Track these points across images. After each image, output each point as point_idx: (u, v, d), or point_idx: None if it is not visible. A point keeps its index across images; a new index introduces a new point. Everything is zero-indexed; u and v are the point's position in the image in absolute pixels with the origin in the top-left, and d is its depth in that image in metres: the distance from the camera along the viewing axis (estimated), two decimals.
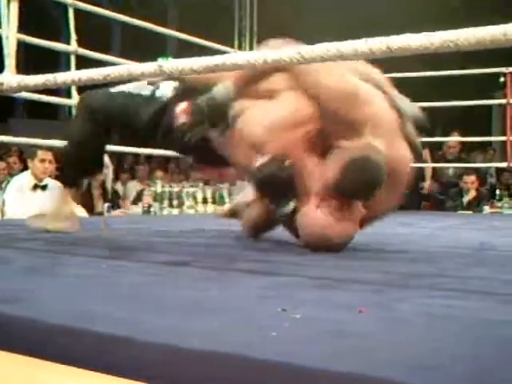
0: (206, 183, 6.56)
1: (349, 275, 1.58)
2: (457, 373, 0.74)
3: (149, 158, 8.04)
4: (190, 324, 0.96)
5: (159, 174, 6.98)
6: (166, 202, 5.77)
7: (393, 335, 0.93)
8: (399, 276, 1.61)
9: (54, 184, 4.26)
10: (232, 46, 7.12)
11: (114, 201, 5.67)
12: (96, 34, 7.15)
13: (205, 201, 6.04)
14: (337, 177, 1.94)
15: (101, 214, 5.03)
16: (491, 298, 1.27)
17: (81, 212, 4.33)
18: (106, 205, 5.15)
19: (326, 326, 0.96)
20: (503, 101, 6.20)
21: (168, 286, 1.35)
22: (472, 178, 6.57)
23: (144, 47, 8.26)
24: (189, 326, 0.95)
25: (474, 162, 8.12)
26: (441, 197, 6.84)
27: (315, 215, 2.01)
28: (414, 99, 2.34)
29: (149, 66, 1.75)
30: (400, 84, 2.37)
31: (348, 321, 1.00)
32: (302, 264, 1.78)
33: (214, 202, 6.07)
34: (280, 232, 2.39)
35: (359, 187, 1.95)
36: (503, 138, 5.93)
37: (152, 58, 1.96)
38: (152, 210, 5.71)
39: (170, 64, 1.69)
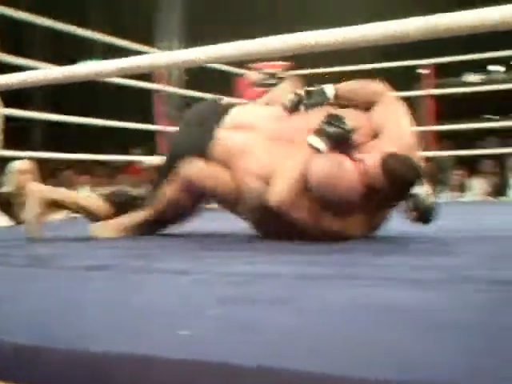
0: (134, 186, 6.48)
1: (269, 269, 1.61)
2: (371, 363, 0.77)
3: (72, 163, 7.90)
4: (108, 326, 0.97)
5: (84, 179, 6.86)
6: None
7: (310, 329, 0.95)
8: (318, 267, 1.63)
9: None
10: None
11: None
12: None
13: None
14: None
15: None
16: (403, 284, 1.32)
17: (3, 221, 4.22)
18: None
19: (242, 322, 0.98)
20: (422, 92, 6.37)
21: (84, 290, 1.35)
22: None
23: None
24: (107, 329, 0.95)
25: None
26: None
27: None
28: None
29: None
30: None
31: (264, 316, 1.02)
32: (224, 261, 1.80)
33: None
34: (203, 228, 2.40)
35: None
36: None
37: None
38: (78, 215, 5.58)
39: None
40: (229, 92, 6.18)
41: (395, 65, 6.07)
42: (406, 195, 2.19)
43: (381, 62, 6.11)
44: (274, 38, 1.54)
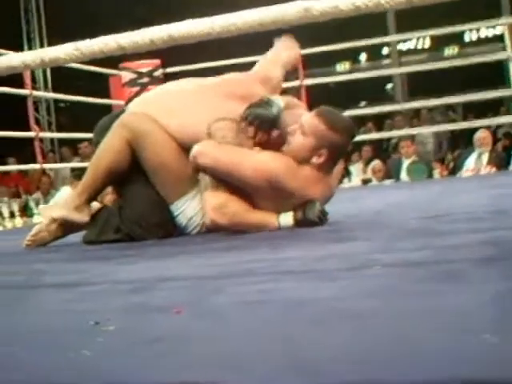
0: (13, 196, 6.21)
1: (162, 273, 1.54)
2: (269, 358, 0.74)
3: None
4: None
5: None
6: None
7: (209, 332, 0.91)
8: (212, 267, 1.59)
9: None
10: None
11: None
12: None
13: (12, 215, 5.71)
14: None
15: None
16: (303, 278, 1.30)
17: None
18: None
19: (140, 335, 0.92)
20: (294, 83, 6.40)
21: None
22: None
23: None
24: None
25: None
26: None
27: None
28: None
29: None
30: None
31: (164, 325, 0.97)
32: (112, 270, 1.72)
33: (22, 216, 5.76)
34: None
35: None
36: None
37: None
38: None
39: None
40: (103, 93, 6.02)
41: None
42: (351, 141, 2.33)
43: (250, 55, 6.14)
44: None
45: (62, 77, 8.31)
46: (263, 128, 2.33)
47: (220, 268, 1.54)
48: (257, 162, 2.24)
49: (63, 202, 2.62)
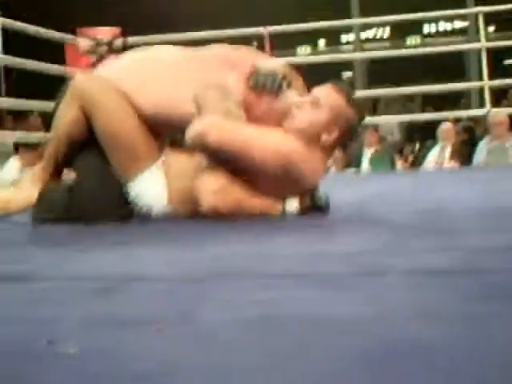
0: None
1: (130, 269, 1.27)
2: None
3: None
4: None
5: None
6: None
7: (205, 365, 0.65)
8: (190, 263, 1.32)
9: None
10: None
11: None
12: None
13: None
14: None
15: None
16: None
17: None
18: None
19: (114, 366, 0.67)
20: None
21: None
22: None
23: None
24: None
25: None
26: None
27: None
28: None
29: None
30: None
31: (145, 351, 0.71)
32: (66, 259, 1.44)
33: None
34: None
35: None
36: None
37: None
38: None
39: None
40: (60, 60, 5.66)
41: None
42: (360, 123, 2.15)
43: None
44: None
45: (13, 43, 7.88)
46: (275, 91, 2.08)
47: (200, 264, 1.27)
48: (271, 144, 1.98)
49: (29, 177, 2.35)
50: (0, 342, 0.77)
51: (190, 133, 1.97)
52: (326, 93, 2.05)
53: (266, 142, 1.98)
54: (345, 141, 2.13)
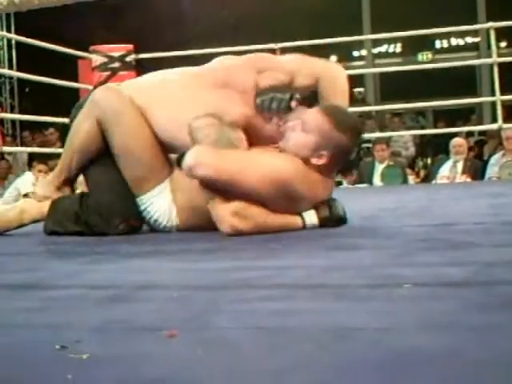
0: None
1: (142, 279, 1.28)
2: None
3: None
4: None
5: None
6: None
7: (221, 371, 0.66)
8: (200, 273, 1.33)
9: None
10: None
11: None
12: None
13: None
14: None
15: None
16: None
17: None
18: None
19: (124, 368, 0.67)
20: None
21: None
22: None
23: None
24: None
25: None
26: None
27: None
28: None
29: None
30: None
31: (158, 356, 0.72)
32: (79, 269, 1.44)
33: None
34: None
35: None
36: None
37: None
38: None
39: None
40: (73, 77, 5.71)
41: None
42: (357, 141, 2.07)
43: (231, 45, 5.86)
44: None
45: (27, 58, 7.96)
46: (283, 111, 2.07)
47: (209, 275, 1.28)
48: (265, 168, 1.95)
49: (43, 184, 2.38)
50: (11, 343, 0.79)
51: (183, 165, 1.97)
52: (312, 117, 2.02)
53: (261, 167, 1.96)
54: (341, 166, 2.12)
